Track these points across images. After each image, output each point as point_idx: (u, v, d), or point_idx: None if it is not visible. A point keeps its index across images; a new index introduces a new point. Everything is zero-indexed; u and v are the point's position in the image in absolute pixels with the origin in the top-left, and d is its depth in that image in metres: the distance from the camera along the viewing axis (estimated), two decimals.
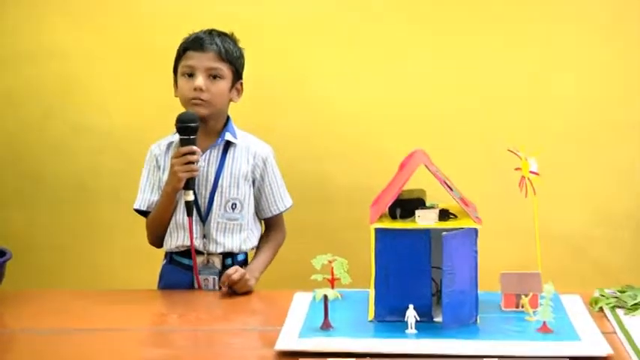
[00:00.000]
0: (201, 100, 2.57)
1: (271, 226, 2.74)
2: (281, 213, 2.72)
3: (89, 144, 3.20)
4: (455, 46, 3.10)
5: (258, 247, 2.70)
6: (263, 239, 2.72)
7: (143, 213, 2.66)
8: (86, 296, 2.52)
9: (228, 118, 2.67)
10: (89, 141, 3.20)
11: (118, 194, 3.14)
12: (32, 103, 3.21)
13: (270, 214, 2.70)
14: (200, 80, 2.57)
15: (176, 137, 2.58)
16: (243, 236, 2.64)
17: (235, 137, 2.64)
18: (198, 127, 2.53)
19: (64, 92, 3.19)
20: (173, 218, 2.61)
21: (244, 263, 2.67)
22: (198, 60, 2.59)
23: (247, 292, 2.50)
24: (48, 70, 3.18)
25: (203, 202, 2.61)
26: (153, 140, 2.70)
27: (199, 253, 2.61)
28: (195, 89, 2.56)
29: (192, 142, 2.51)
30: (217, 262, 2.62)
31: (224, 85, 2.61)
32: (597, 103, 3.10)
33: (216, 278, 2.59)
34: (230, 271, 2.50)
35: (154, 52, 3.10)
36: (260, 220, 2.71)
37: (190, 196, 2.53)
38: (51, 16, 3.17)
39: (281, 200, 2.70)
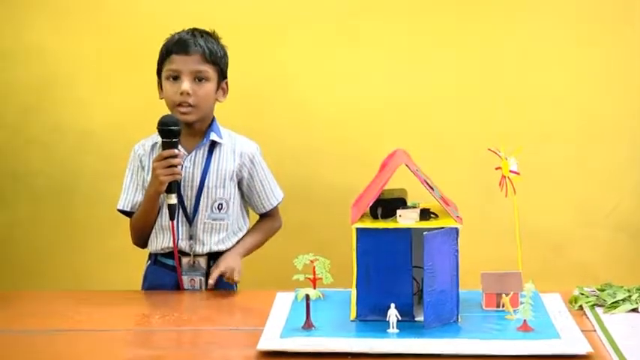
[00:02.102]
0: (189, 104, 2.55)
1: (266, 216, 2.75)
2: (274, 207, 2.73)
3: (70, 143, 3.19)
4: (437, 46, 3.11)
5: (250, 229, 2.71)
6: (256, 223, 2.74)
7: (127, 213, 2.65)
8: (68, 297, 2.52)
9: (213, 119, 2.66)
10: (70, 140, 3.19)
11: (100, 194, 3.13)
12: (12, 102, 3.19)
13: (264, 210, 2.72)
14: (186, 85, 2.55)
15: (160, 138, 2.57)
16: (228, 235, 2.64)
17: (220, 137, 2.63)
18: (181, 130, 2.51)
19: (44, 91, 3.18)
20: (158, 220, 2.60)
21: None
22: (183, 63, 2.57)
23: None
24: (28, 69, 3.17)
25: (189, 204, 2.60)
26: (134, 140, 2.69)
27: (185, 254, 2.61)
28: (181, 94, 2.55)
29: (175, 146, 2.50)
30: (203, 262, 2.62)
31: (210, 87, 2.60)
32: (578, 103, 3.12)
33: (203, 279, 2.60)
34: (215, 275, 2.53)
35: (134, 52, 3.09)
36: (247, 214, 2.72)
37: (173, 200, 2.51)
38: (31, 15, 3.15)
39: (272, 195, 2.71)
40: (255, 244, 2.70)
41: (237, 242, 2.66)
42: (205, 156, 2.62)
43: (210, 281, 2.53)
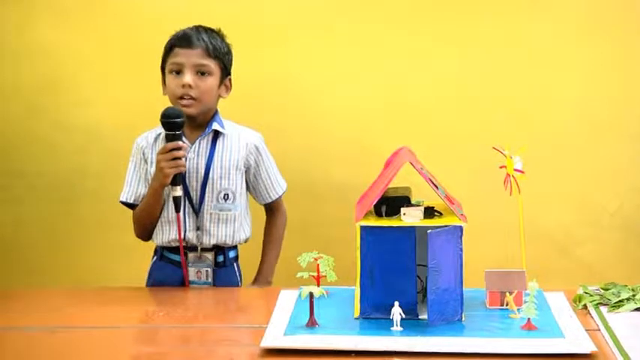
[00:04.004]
0: (190, 97, 2.56)
1: (272, 210, 2.77)
2: (280, 196, 2.75)
3: (75, 142, 3.20)
4: (443, 44, 3.11)
5: (263, 244, 2.76)
6: (266, 232, 2.77)
7: (130, 205, 2.66)
8: (73, 294, 2.52)
9: (215, 111, 2.66)
10: (75, 139, 3.19)
11: (105, 192, 3.13)
12: (16, 100, 3.20)
13: (270, 200, 2.73)
14: (188, 77, 2.56)
15: (162, 130, 2.57)
16: (236, 227, 2.64)
17: (223, 127, 2.64)
18: (184, 123, 2.52)
19: (48, 90, 3.18)
20: (164, 213, 2.60)
21: (235, 260, 2.68)
22: (186, 56, 2.58)
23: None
24: (32, 67, 3.17)
25: (195, 195, 2.61)
26: None
27: (192, 247, 2.61)
28: (183, 86, 2.56)
29: (178, 138, 2.50)
30: (209, 257, 2.62)
31: (212, 81, 2.61)
32: (583, 102, 3.11)
33: (209, 270, 2.60)
34: None
35: (139, 50, 3.09)
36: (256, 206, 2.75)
37: (178, 192, 2.52)
38: (36, 14, 3.16)
39: (278, 184, 2.73)
40: (277, 259, 2.77)
41: (261, 262, 2.74)
42: (209, 146, 2.62)
43: None
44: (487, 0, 3.09)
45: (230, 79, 2.67)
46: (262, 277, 2.74)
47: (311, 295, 2.13)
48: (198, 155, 2.61)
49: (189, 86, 2.56)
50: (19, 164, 3.22)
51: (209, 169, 2.60)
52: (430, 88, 3.12)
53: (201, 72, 2.58)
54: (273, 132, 2.98)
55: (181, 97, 2.56)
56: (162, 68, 2.64)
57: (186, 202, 2.59)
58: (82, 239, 3.23)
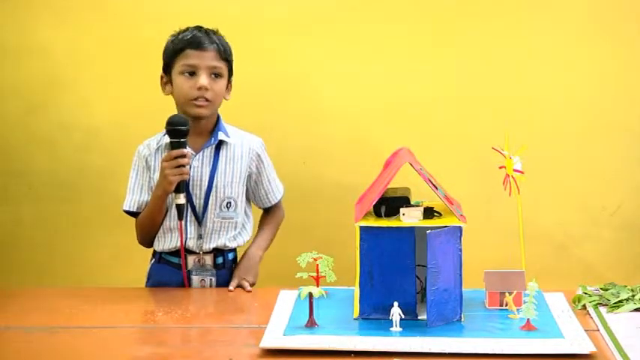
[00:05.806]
0: (205, 99, 2.56)
1: (271, 209, 2.77)
2: (279, 200, 2.76)
3: (74, 141, 3.19)
4: (443, 44, 3.11)
5: (259, 227, 2.75)
6: (263, 219, 2.77)
7: (133, 214, 2.65)
8: (72, 294, 2.52)
9: (218, 117, 2.66)
10: (74, 138, 3.19)
11: (103, 192, 3.14)
12: (16, 100, 3.20)
13: (269, 204, 2.74)
14: (204, 80, 2.55)
15: (166, 138, 2.56)
16: (237, 232, 2.65)
17: (228, 136, 2.64)
18: (189, 130, 2.51)
19: (48, 89, 3.18)
20: (166, 221, 2.60)
21: (234, 261, 2.68)
22: (200, 59, 2.57)
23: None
24: (32, 67, 3.17)
25: (198, 203, 2.60)
26: (138, 138, 2.69)
27: (193, 252, 2.61)
28: (199, 88, 2.55)
29: (183, 145, 2.49)
30: (209, 260, 2.62)
31: (223, 83, 2.61)
32: (582, 102, 3.11)
33: (214, 279, 2.61)
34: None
35: (139, 50, 3.09)
36: (250, 209, 2.73)
37: (182, 200, 2.51)
38: (35, 13, 3.16)
39: (277, 188, 2.74)
40: (271, 237, 2.75)
41: (254, 239, 2.71)
42: (213, 155, 2.62)
43: (230, 288, 2.56)
44: (487, 0, 3.09)
45: (231, 80, 2.67)
46: (252, 251, 2.69)
47: (310, 295, 2.13)
48: (202, 164, 2.60)
49: (206, 88, 2.55)
50: (19, 164, 3.22)
51: (213, 177, 2.60)
52: (430, 88, 3.12)
53: (215, 74, 2.58)
54: (273, 132, 2.99)
55: (195, 99, 2.56)
56: (166, 70, 2.63)
57: (189, 211, 2.59)
58: (82, 239, 3.23)
